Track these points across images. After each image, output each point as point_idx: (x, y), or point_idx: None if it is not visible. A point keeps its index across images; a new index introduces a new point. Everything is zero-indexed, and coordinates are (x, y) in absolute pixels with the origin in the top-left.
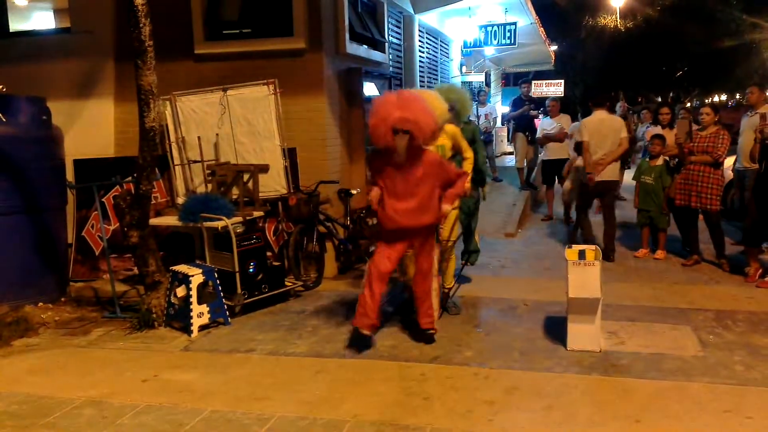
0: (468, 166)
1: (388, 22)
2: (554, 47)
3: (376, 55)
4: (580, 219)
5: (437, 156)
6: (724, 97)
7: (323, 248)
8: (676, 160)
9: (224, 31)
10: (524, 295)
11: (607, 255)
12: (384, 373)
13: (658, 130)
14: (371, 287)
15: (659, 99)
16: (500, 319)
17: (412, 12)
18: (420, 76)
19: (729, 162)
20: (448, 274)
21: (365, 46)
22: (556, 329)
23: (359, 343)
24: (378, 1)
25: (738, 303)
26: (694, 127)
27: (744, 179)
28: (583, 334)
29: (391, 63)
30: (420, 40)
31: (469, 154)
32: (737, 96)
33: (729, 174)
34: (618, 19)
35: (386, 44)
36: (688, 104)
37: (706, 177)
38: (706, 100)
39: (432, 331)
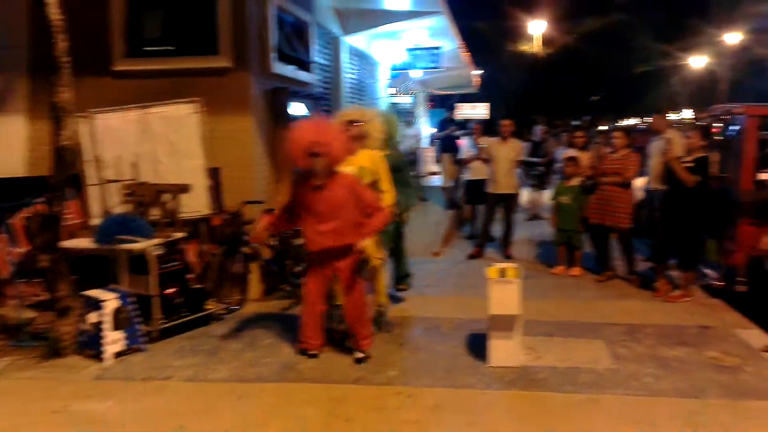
0: (387, 199)
1: (316, 43)
2: (479, 71)
3: (303, 76)
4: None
5: (355, 180)
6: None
7: (247, 269)
8: (591, 181)
9: (145, 48)
10: (448, 314)
11: (506, 243)
12: (307, 396)
13: (573, 152)
14: (310, 307)
15: (577, 123)
16: (425, 338)
17: (340, 34)
18: (347, 96)
19: (641, 182)
20: (380, 291)
21: (293, 66)
22: (478, 346)
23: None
24: (305, 21)
25: (648, 317)
26: (607, 149)
27: (654, 199)
28: (503, 350)
29: (318, 83)
30: (347, 62)
31: (388, 188)
32: (644, 120)
33: (642, 194)
34: (538, 46)
35: (314, 65)
36: (604, 128)
37: (618, 197)
38: (621, 123)
39: (366, 352)
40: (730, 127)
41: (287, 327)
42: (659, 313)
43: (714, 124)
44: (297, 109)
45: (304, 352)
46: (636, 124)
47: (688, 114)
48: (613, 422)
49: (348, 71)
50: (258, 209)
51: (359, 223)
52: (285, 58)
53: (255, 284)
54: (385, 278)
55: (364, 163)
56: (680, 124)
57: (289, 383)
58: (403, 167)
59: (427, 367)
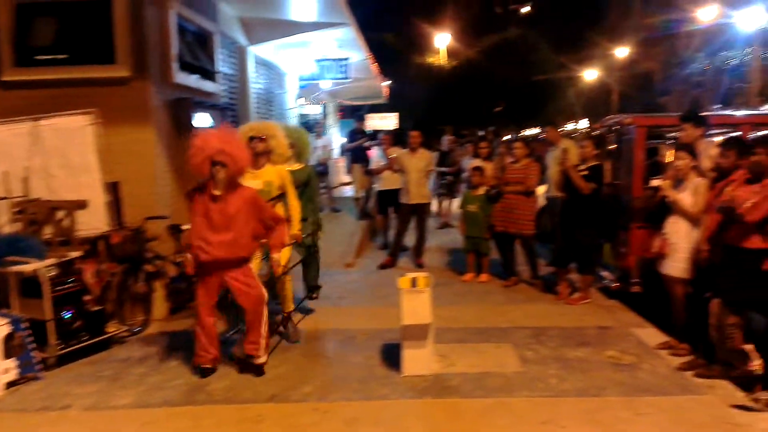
0: (295, 214)
1: (221, 53)
2: (387, 82)
3: (207, 86)
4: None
5: (254, 193)
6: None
7: (151, 288)
8: (495, 190)
9: (37, 57)
10: (362, 325)
11: (418, 253)
12: (218, 418)
13: (478, 162)
14: (202, 321)
15: (482, 133)
16: (339, 350)
17: (246, 43)
18: (255, 107)
19: (542, 190)
20: (287, 298)
21: (196, 76)
22: (392, 356)
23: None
24: (209, 30)
25: (551, 319)
26: (509, 159)
27: (554, 206)
28: (416, 359)
29: (224, 93)
30: (254, 72)
31: (294, 204)
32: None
33: (543, 201)
34: (444, 58)
35: (218, 74)
36: (507, 137)
37: (521, 205)
38: (524, 133)
39: (259, 360)
40: (621, 137)
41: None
42: (562, 316)
43: (606, 134)
44: (202, 119)
45: (200, 369)
46: (538, 134)
47: (584, 124)
48: (522, 424)
49: (255, 81)
50: (161, 225)
51: (255, 237)
52: (188, 68)
53: (160, 303)
54: (292, 287)
55: (270, 177)
56: (576, 134)
57: (198, 406)
58: (312, 182)
59: (343, 381)
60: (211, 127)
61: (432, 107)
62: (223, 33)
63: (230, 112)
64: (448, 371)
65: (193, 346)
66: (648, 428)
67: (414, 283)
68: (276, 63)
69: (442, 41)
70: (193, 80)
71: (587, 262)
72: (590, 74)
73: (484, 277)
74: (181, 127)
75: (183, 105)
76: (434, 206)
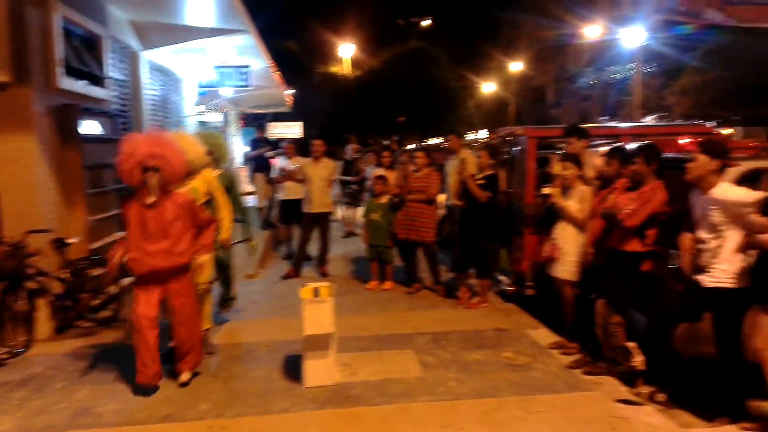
0: (225, 218)
1: (111, 57)
2: (291, 91)
3: (96, 92)
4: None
5: (188, 197)
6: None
7: (33, 307)
8: (398, 198)
9: None
10: (264, 337)
11: (322, 262)
12: None
13: (380, 171)
14: (143, 336)
15: (386, 142)
16: (239, 365)
17: (139, 48)
18: (150, 114)
19: (443, 198)
20: (206, 315)
21: (84, 82)
22: (294, 368)
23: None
24: (98, 34)
25: (451, 324)
26: (411, 168)
27: (453, 214)
28: (318, 370)
29: (115, 100)
30: (149, 78)
31: (224, 207)
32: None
33: (443, 209)
34: (348, 68)
35: (108, 80)
36: (410, 146)
37: (423, 213)
38: (428, 143)
39: (182, 378)
40: (514, 147)
41: (84, 367)
42: (462, 320)
43: (501, 145)
44: (90, 127)
45: (141, 387)
46: (440, 144)
47: (484, 134)
48: (422, 429)
49: (149, 88)
50: (45, 239)
51: (192, 243)
52: (75, 73)
53: (43, 322)
54: (211, 303)
55: (195, 184)
56: (475, 144)
57: (84, 430)
58: (234, 187)
59: (242, 395)
60: (143, 132)
61: (337, 116)
62: (113, 37)
63: (122, 119)
64: (351, 380)
65: (81, 367)
66: (540, 426)
67: (316, 292)
68: (173, 69)
69: (346, 51)
70: (80, 86)
71: (485, 267)
72: (489, 87)
73: (387, 284)
74: (67, 136)
75: (69, 112)
76: (338, 215)
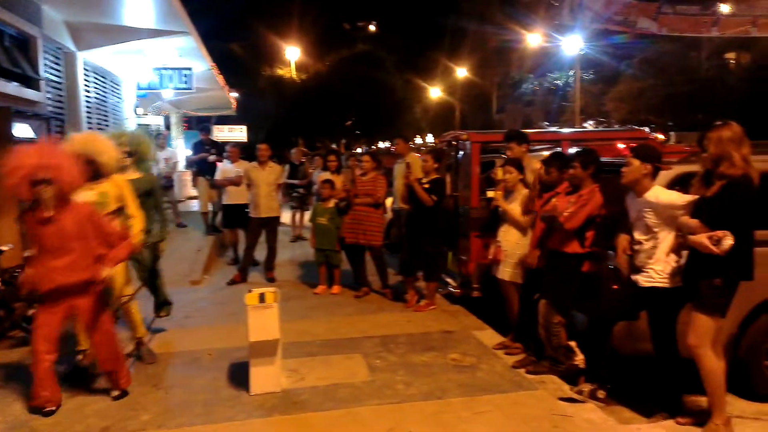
0: (136, 225)
1: (45, 58)
2: (235, 94)
3: (29, 93)
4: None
5: (89, 209)
6: (387, 144)
7: None
8: (345, 202)
9: None
10: (209, 344)
11: (269, 267)
12: None
13: (327, 175)
14: (40, 357)
15: (334, 146)
16: (183, 374)
17: (75, 49)
18: (87, 117)
19: (390, 202)
20: (137, 324)
21: (15, 83)
22: (240, 375)
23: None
24: (30, 34)
25: (399, 327)
26: (358, 172)
27: (400, 218)
28: (265, 377)
29: (49, 102)
30: (85, 79)
31: (136, 214)
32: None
33: (390, 213)
34: (293, 71)
35: (42, 82)
36: (358, 150)
37: (370, 217)
38: (374, 147)
39: (114, 393)
40: (459, 152)
41: (17, 379)
42: (409, 323)
43: (446, 149)
44: (23, 130)
45: (36, 410)
46: (388, 148)
47: (430, 139)
48: None
49: (86, 89)
50: None
51: (99, 256)
52: (5, 74)
53: None
54: (139, 310)
55: (106, 188)
56: (422, 148)
57: None
58: (156, 191)
59: (185, 405)
60: (32, 141)
61: (284, 120)
62: (47, 37)
63: (57, 122)
64: (298, 386)
65: (14, 379)
66: (486, 425)
67: (262, 298)
68: (112, 71)
69: (292, 54)
70: (11, 88)
71: (432, 270)
72: (435, 92)
73: (336, 288)
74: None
75: (1, 114)
76: (286, 219)
